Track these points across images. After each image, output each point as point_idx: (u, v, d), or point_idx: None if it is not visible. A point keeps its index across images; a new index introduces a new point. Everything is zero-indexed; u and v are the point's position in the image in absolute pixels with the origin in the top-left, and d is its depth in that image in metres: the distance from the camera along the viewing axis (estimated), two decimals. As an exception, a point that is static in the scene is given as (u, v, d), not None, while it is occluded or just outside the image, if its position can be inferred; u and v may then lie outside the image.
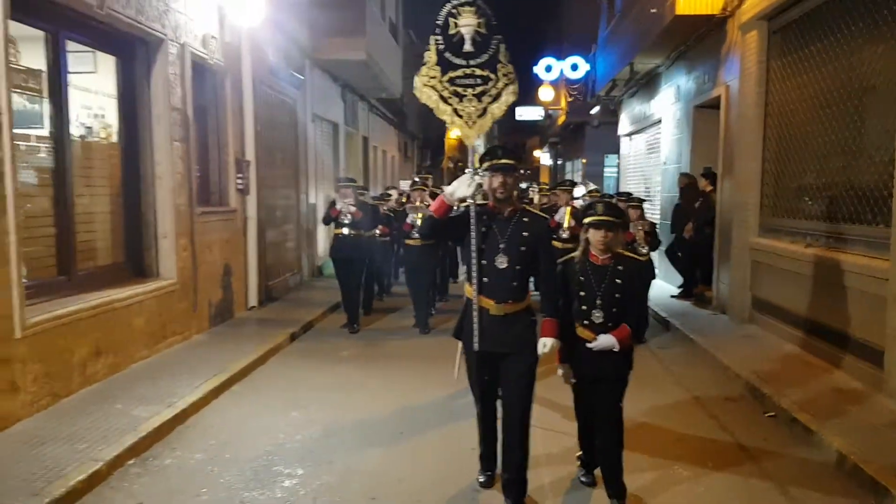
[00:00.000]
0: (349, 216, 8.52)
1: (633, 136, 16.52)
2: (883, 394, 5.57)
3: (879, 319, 5.65)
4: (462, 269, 10.69)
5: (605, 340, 3.91)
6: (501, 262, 3.87)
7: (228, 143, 8.84)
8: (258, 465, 4.52)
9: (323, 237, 13.92)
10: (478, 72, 4.02)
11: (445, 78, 4.03)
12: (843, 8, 6.77)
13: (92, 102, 6.51)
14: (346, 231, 8.58)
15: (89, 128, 6.50)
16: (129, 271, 6.93)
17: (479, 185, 3.87)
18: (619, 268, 3.97)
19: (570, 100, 21.85)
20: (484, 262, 3.91)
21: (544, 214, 5.12)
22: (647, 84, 14.24)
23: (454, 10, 4.00)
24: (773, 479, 4.40)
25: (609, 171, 22.39)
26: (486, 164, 3.91)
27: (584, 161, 24.11)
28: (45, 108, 5.73)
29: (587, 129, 22.79)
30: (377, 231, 9.12)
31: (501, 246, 3.88)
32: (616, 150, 18.46)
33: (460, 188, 3.84)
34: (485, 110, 4.06)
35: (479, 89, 4.04)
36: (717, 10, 9.23)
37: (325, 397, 5.99)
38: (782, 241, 7.79)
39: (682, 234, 10.31)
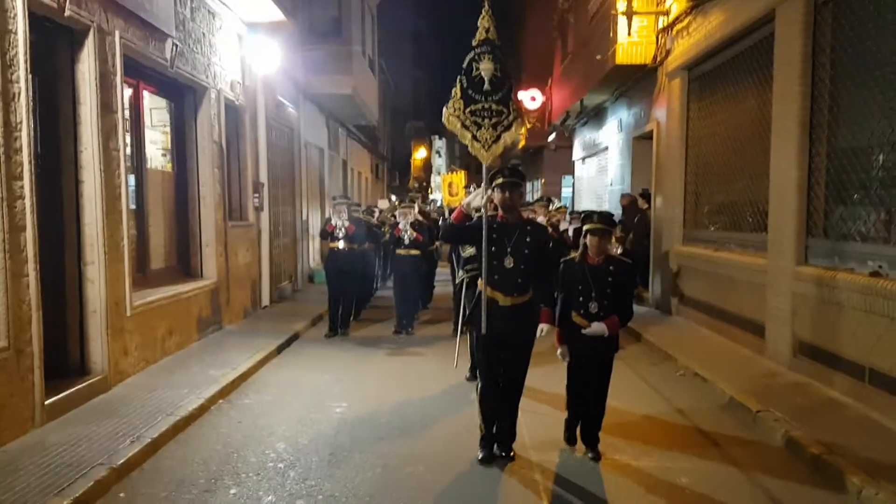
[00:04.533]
0: (343, 230, 9.29)
1: (585, 160, 18.37)
2: (764, 357, 7.56)
3: (762, 302, 7.65)
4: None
5: (597, 327, 4.61)
6: (509, 262, 4.59)
7: (248, 168, 10.57)
8: (313, 401, 6.30)
9: (312, 249, 15.63)
10: (494, 107, 4.72)
11: (468, 110, 4.73)
12: (741, 65, 8.81)
13: (156, 138, 8.21)
14: (341, 245, 9.29)
15: (154, 159, 8.19)
16: (181, 272, 8.62)
17: (490, 199, 4.65)
18: (611, 268, 4.68)
19: (529, 126, 23.80)
20: (494, 262, 4.61)
21: (544, 224, 6.41)
22: (595, 116, 16.22)
23: (476, 56, 4.73)
24: (678, 406, 6.32)
25: (566, 191, 23.81)
26: (495, 182, 4.64)
27: (543, 181, 25.87)
28: (131, 143, 7.42)
29: (545, 153, 24.33)
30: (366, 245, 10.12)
31: (509, 249, 4.60)
32: (572, 172, 20.27)
33: (475, 199, 4.64)
34: (498, 137, 4.74)
35: (494, 120, 4.73)
36: (648, 60, 11.32)
37: (346, 366, 7.76)
38: (698, 248, 9.81)
39: (625, 245, 12.27)
